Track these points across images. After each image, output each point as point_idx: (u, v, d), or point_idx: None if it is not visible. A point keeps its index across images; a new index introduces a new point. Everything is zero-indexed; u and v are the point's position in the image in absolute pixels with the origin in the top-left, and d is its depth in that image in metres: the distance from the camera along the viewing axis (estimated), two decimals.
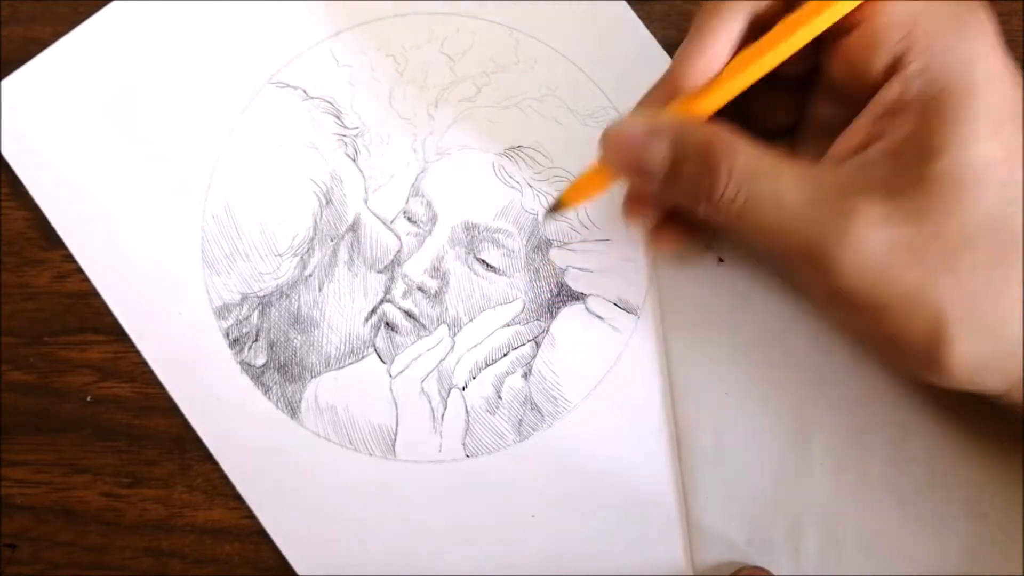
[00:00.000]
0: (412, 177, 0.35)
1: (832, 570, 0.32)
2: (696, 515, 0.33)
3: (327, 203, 0.35)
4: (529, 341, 0.34)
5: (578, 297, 0.34)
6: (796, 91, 0.30)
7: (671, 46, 0.35)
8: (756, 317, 0.33)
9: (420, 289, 0.35)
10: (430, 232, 0.35)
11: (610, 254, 0.35)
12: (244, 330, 0.34)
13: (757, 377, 0.33)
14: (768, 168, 0.25)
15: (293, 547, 0.33)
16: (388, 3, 0.36)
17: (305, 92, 0.36)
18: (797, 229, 0.25)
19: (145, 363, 0.34)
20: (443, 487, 0.34)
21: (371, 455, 0.34)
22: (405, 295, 0.35)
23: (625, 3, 0.36)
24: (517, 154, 0.35)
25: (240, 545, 0.34)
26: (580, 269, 0.35)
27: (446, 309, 0.35)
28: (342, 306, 0.35)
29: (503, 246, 0.35)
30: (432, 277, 0.35)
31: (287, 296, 0.35)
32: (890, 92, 0.26)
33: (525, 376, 0.34)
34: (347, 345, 0.34)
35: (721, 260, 0.34)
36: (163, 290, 0.35)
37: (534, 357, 0.34)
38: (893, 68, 0.26)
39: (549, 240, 0.35)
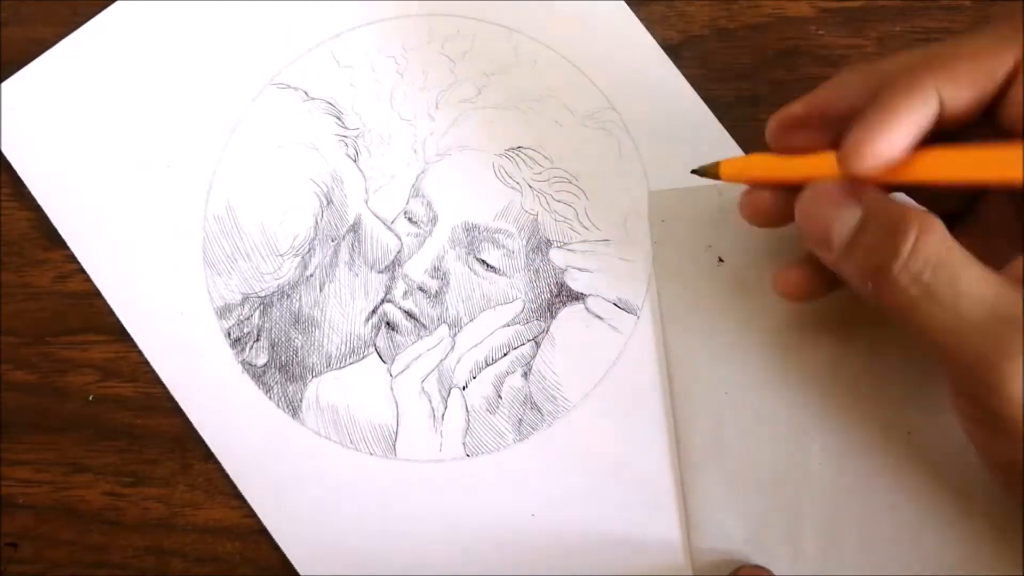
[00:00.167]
0: (412, 178, 0.35)
1: (832, 570, 0.32)
2: (696, 514, 0.33)
3: (328, 203, 0.35)
4: (529, 341, 0.34)
5: (578, 297, 0.35)
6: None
7: (670, 47, 0.35)
8: (756, 317, 0.33)
9: (421, 289, 0.35)
10: (430, 232, 0.35)
11: (610, 254, 0.35)
12: (245, 330, 0.35)
13: (757, 377, 0.33)
14: (958, 260, 0.23)
15: (294, 546, 0.34)
16: (389, 4, 0.36)
17: (306, 93, 0.36)
18: (969, 335, 0.23)
19: (146, 363, 0.35)
20: (443, 486, 0.34)
21: (372, 454, 0.34)
22: (406, 295, 0.35)
23: (625, 4, 0.36)
24: (517, 155, 0.35)
25: (241, 544, 0.34)
26: (580, 269, 0.35)
27: (446, 309, 0.35)
28: (343, 306, 0.35)
29: (503, 246, 0.35)
30: (432, 277, 0.35)
31: (288, 296, 0.35)
32: None
33: (525, 376, 0.34)
34: (348, 345, 0.34)
35: (721, 260, 0.34)
36: (165, 290, 0.35)
37: (534, 357, 0.34)
38: None
39: (549, 240, 0.35)
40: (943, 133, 0.25)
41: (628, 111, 0.35)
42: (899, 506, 0.32)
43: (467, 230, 0.35)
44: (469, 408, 0.34)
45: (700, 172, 0.31)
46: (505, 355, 0.34)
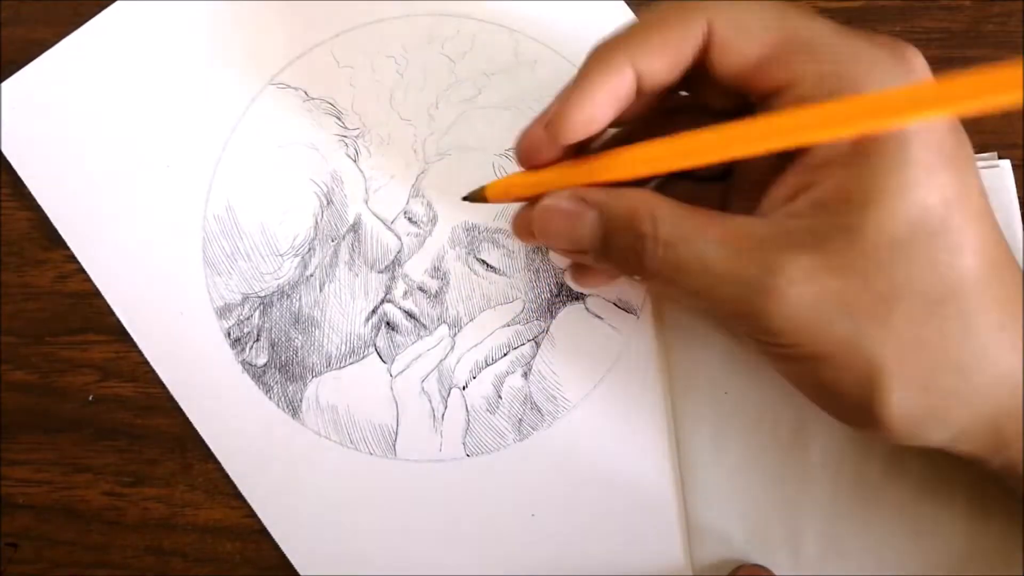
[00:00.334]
0: (412, 178, 0.35)
1: (832, 570, 0.32)
2: (695, 514, 0.33)
3: (328, 203, 0.35)
4: (529, 341, 0.34)
5: (578, 297, 0.35)
6: None
7: None
8: None
9: (421, 289, 0.35)
10: (430, 232, 0.35)
11: None
12: (245, 330, 0.35)
13: (757, 377, 0.33)
14: (691, 231, 0.25)
15: (294, 546, 0.34)
16: (389, 4, 0.36)
17: (306, 93, 0.36)
18: (724, 290, 0.24)
19: (146, 363, 0.35)
20: (443, 486, 0.34)
21: (371, 454, 0.34)
22: (406, 295, 0.35)
23: (624, 4, 0.36)
24: None
25: (241, 544, 0.34)
26: None
27: (446, 309, 0.35)
28: (343, 306, 0.35)
29: (503, 246, 0.35)
30: (432, 277, 0.35)
31: (288, 296, 0.35)
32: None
33: (525, 376, 0.34)
34: (348, 345, 0.34)
35: None
36: (164, 290, 0.35)
37: (534, 357, 0.34)
38: None
39: None
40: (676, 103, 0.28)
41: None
42: (899, 506, 0.32)
43: (467, 230, 0.35)
44: (469, 408, 0.34)
45: (470, 198, 0.31)
46: (505, 355, 0.34)
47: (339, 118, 0.36)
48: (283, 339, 0.35)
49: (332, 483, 0.34)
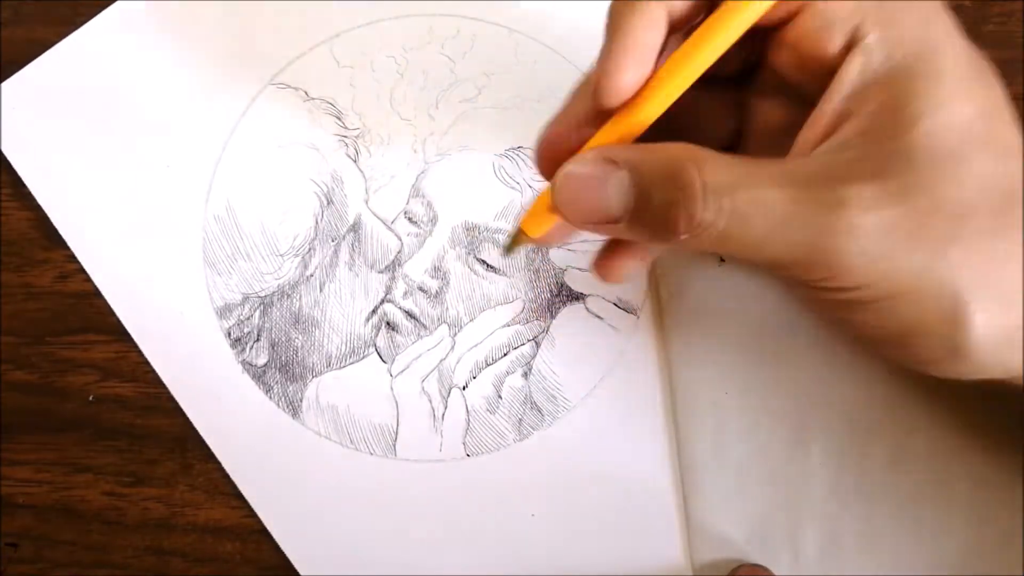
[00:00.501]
0: (412, 178, 0.35)
1: (832, 570, 0.32)
2: (695, 514, 0.33)
3: (328, 204, 0.35)
4: (529, 341, 0.34)
5: (578, 297, 0.35)
6: (734, 95, 0.28)
7: None
8: (756, 317, 0.33)
9: (421, 289, 0.35)
10: (431, 232, 0.35)
11: None
12: (246, 330, 0.35)
13: (757, 377, 0.33)
14: (744, 176, 0.23)
15: (294, 546, 0.34)
16: (389, 4, 0.36)
17: (306, 93, 0.36)
18: (789, 234, 0.22)
19: (147, 363, 0.35)
20: (443, 486, 0.34)
21: (372, 454, 0.34)
22: (406, 295, 0.35)
23: None
24: (517, 155, 0.35)
25: (241, 544, 0.34)
26: (580, 269, 0.35)
27: (446, 309, 0.35)
28: (343, 306, 0.35)
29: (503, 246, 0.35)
30: (433, 277, 0.35)
31: (288, 296, 0.35)
32: (851, 69, 0.24)
33: (525, 375, 0.34)
34: (348, 345, 0.34)
35: (722, 260, 0.34)
36: (165, 290, 0.35)
37: (534, 357, 0.34)
38: (849, 44, 0.24)
39: None
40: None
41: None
42: (899, 506, 0.32)
43: (467, 230, 0.35)
44: (469, 408, 0.34)
45: (510, 248, 0.27)
46: (505, 355, 0.34)
47: (339, 118, 0.36)
48: (283, 339, 0.35)
49: (332, 483, 0.34)
